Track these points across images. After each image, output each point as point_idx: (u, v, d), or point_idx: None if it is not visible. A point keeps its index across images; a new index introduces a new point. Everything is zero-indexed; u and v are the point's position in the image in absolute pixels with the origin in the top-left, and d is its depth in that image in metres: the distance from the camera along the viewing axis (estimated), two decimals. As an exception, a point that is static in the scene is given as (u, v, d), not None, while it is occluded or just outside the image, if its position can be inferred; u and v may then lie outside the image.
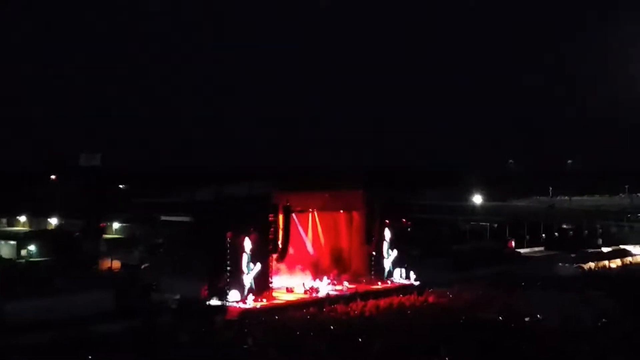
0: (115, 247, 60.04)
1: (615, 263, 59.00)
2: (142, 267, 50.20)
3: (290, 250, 42.34)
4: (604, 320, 34.06)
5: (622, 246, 65.38)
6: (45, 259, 57.83)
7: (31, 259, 58.85)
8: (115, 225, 74.29)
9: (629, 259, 61.46)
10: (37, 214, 76.81)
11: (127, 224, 73.44)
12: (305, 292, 41.85)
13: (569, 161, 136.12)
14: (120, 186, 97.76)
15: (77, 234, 66.42)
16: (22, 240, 63.73)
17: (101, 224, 70.97)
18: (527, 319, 34.61)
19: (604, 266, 57.45)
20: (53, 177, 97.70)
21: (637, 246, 65.12)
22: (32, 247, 61.57)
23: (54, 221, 75.82)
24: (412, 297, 41.64)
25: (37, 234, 67.82)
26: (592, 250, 63.95)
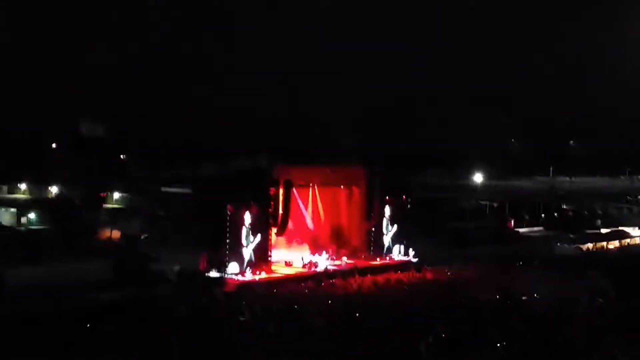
0: (115, 217, 60.21)
1: (614, 244, 59.24)
2: (142, 237, 50.37)
3: (290, 225, 42.49)
4: (600, 300, 34.22)
5: (620, 228, 65.58)
6: (46, 227, 58.02)
7: (31, 227, 59.06)
8: (116, 195, 74.45)
9: (627, 240, 61.74)
10: (38, 182, 76.93)
11: (128, 195, 73.61)
12: (304, 266, 42.04)
13: (571, 142, 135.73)
14: (122, 156, 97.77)
15: (77, 202, 66.53)
16: (23, 207, 63.92)
17: (102, 194, 71.07)
18: (523, 298, 34.78)
19: (602, 247, 57.68)
20: (54, 145, 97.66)
21: (636, 228, 65.35)
22: (32, 215, 61.76)
23: (54, 189, 75.96)
24: (410, 274, 41.83)
25: (37, 202, 68.00)
26: (591, 231, 64.19)
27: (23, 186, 78.24)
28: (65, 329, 27.24)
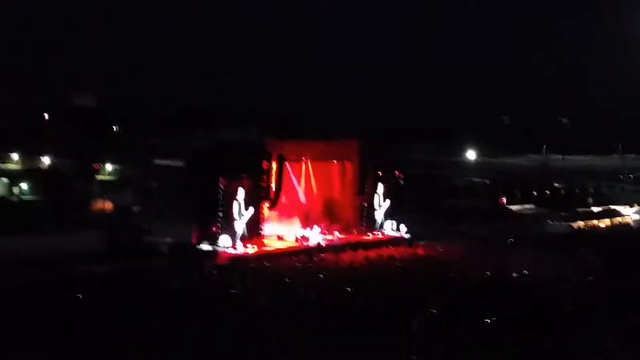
0: (107, 189, 60.11)
1: (605, 223, 59.45)
2: (135, 209, 50.32)
3: (283, 199, 42.52)
4: (590, 278, 34.40)
5: (612, 206, 65.80)
6: (37, 197, 57.91)
7: (23, 197, 58.94)
8: (109, 166, 74.29)
9: (619, 219, 61.91)
10: (30, 153, 76.67)
11: (120, 166, 73.46)
12: (296, 240, 42.13)
13: (564, 120, 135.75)
14: (115, 127, 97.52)
15: (69, 174, 66.36)
16: (15, 178, 63.73)
17: (94, 165, 70.89)
18: (514, 275, 34.94)
19: (594, 225, 57.90)
20: (46, 115, 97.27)
21: (627, 207, 65.56)
22: (24, 185, 61.59)
23: (46, 160, 75.72)
24: (402, 250, 41.96)
25: (29, 173, 67.83)
26: (582, 209, 64.41)
27: (15, 156, 77.90)
28: (56, 301, 27.27)
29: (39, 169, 73.60)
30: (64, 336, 23.19)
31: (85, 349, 22.17)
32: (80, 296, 28.05)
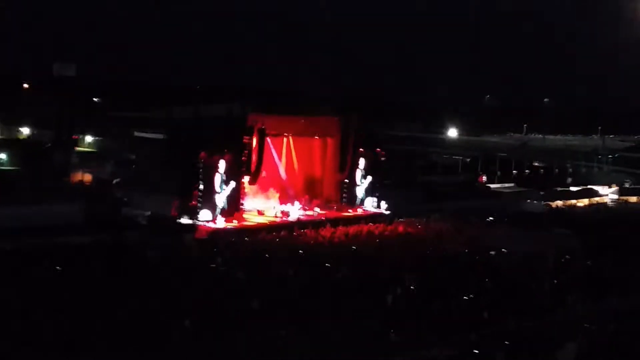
0: (87, 160, 59.63)
1: (583, 202, 60.02)
2: (114, 181, 49.98)
3: (263, 174, 42.42)
4: (567, 257, 34.77)
5: (590, 186, 66.37)
6: (15, 168, 57.35)
7: (1, 168, 58.35)
8: (88, 138, 73.67)
9: (596, 199, 62.57)
10: (8, 122, 75.80)
11: (100, 138, 72.86)
12: (276, 215, 42.12)
13: (545, 100, 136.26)
14: (95, 99, 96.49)
15: (48, 144, 65.73)
16: (-7, 147, 62.99)
17: (73, 136, 70.22)
18: (492, 253, 35.23)
19: (571, 205, 58.41)
20: (25, 85, 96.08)
21: (605, 187, 66.16)
22: (2, 156, 60.96)
23: (25, 130, 74.96)
24: (382, 226, 42.08)
25: (7, 143, 67.07)
26: (561, 188, 64.92)
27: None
28: (34, 271, 27.16)
29: (18, 139, 72.86)
30: (41, 307, 23.16)
31: (61, 319, 22.15)
32: (58, 267, 28.00)
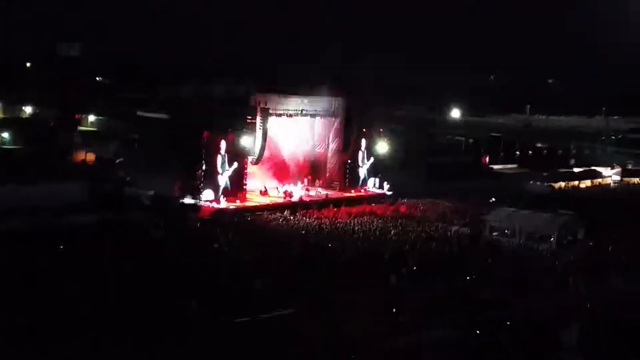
0: (90, 140, 59.63)
1: (585, 183, 59.94)
2: (117, 161, 50.04)
3: (266, 154, 42.42)
4: (569, 238, 34.82)
5: (593, 167, 66.26)
6: (19, 147, 57.40)
7: (4, 147, 58.39)
8: (91, 117, 73.59)
9: (599, 180, 62.44)
10: (12, 102, 75.70)
11: (103, 117, 72.79)
12: (279, 195, 42.17)
13: (549, 81, 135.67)
14: (98, 78, 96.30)
15: (52, 124, 65.73)
16: (-4, 126, 62.98)
17: (77, 116, 70.19)
18: (494, 234, 35.28)
19: (574, 186, 58.34)
20: (28, 64, 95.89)
21: (608, 168, 66.04)
22: (5, 135, 60.98)
23: (28, 109, 74.88)
24: (384, 207, 42.14)
25: (11, 122, 67.04)
26: (564, 170, 64.83)
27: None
28: (38, 250, 27.30)
29: (21, 118, 72.82)
30: (45, 286, 23.32)
31: (65, 298, 22.31)
32: (61, 246, 28.14)
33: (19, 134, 60.20)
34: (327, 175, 46.57)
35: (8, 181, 37.93)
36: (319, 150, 47.16)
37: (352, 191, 45.86)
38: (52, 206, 34.15)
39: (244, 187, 40.71)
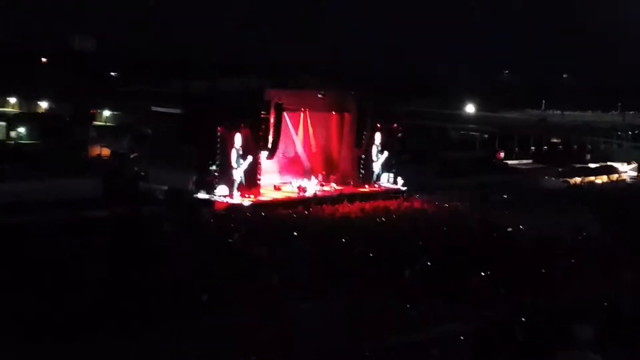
0: (105, 135, 59.92)
1: (602, 179, 59.59)
2: (132, 156, 50.24)
3: (280, 149, 42.43)
4: (584, 234, 34.62)
5: (609, 163, 65.88)
6: (35, 141, 57.76)
7: (21, 141, 58.78)
8: (106, 112, 73.91)
9: (615, 175, 62.08)
10: (28, 97, 76.12)
11: (118, 112, 73.07)
12: (293, 191, 42.19)
13: (564, 75, 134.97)
14: (113, 73, 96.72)
15: (67, 118, 66.07)
16: (12, 121, 63.41)
17: (91, 111, 70.53)
18: (509, 230, 35.12)
19: (590, 182, 58.02)
20: (44, 59, 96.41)
21: (624, 163, 65.64)
22: (21, 129, 61.37)
23: (44, 104, 75.27)
24: (398, 202, 42.06)
25: (27, 116, 67.54)
26: (579, 165, 64.51)
27: (12, 100, 77.30)
28: (54, 244, 27.45)
29: (37, 113, 73.24)
30: (63, 279, 23.46)
31: (82, 290, 22.44)
32: (79, 241, 28.26)
33: (35, 129, 60.61)
34: (341, 170, 46.52)
35: (24, 176, 38.22)
36: (333, 145, 47.13)
37: (366, 186, 45.80)
38: (67, 201, 34.35)
39: (258, 182, 40.75)
